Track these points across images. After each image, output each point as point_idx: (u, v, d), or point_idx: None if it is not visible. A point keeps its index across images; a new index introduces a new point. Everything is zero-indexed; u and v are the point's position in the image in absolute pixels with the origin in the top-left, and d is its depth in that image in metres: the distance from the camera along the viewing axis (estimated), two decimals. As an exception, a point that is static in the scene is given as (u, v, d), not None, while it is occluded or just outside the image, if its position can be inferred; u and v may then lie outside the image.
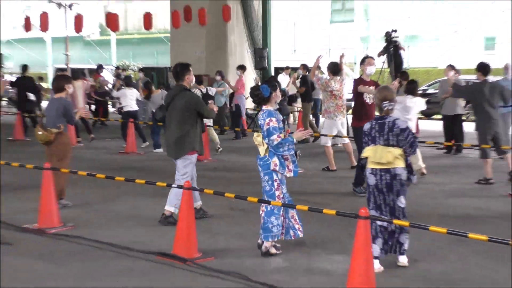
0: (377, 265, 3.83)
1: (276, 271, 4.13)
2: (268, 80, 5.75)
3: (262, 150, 4.35)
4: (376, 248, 3.90)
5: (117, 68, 18.07)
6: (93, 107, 14.20)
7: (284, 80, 13.00)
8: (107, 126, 13.77)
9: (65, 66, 19.71)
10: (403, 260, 4.14)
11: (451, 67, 9.08)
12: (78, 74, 13.36)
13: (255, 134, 4.43)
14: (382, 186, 4.22)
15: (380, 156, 4.13)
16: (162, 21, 22.15)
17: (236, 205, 5.77)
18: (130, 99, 10.52)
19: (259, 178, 4.42)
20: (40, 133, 5.64)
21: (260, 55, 14.70)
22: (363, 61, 7.98)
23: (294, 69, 14.04)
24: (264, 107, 4.36)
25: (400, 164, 4.10)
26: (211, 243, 4.66)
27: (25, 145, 10.95)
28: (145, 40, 29.18)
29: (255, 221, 4.69)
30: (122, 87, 11.45)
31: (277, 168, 4.26)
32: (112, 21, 14.88)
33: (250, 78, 14.45)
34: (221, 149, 9.43)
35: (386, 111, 4.21)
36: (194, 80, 6.19)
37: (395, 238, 4.19)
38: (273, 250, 4.29)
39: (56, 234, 4.96)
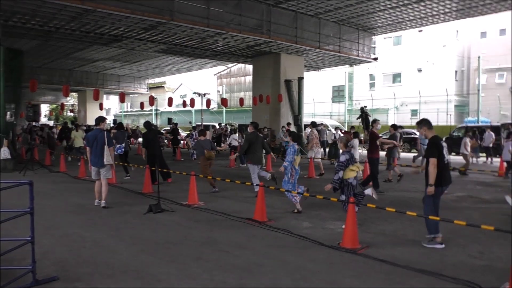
0: None
1: (305, 229, 6.48)
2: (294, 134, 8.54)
3: (298, 161, 7.84)
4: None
5: (226, 124, 29.75)
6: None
7: (307, 131, 22.95)
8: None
9: (200, 123, 26.77)
10: None
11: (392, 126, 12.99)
12: (209, 127, 24.64)
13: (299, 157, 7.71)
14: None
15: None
16: (248, 101, 31.53)
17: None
18: (234, 139, 18.28)
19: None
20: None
21: (296, 118, 22.91)
22: (374, 122, 11.12)
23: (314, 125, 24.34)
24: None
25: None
26: (272, 213, 7.46)
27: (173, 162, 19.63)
28: (240, 111, 39.88)
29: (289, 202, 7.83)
30: (230, 132, 20.39)
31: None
32: (224, 102, 24.94)
33: (293, 129, 21.33)
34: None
35: (349, 148, 6.81)
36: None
37: None
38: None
39: (196, 208, 8.10)
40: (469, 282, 4.38)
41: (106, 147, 8.06)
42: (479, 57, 30.19)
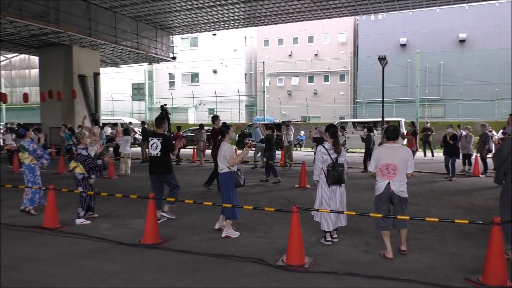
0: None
1: (105, 230, 6.64)
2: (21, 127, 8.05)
3: (28, 160, 7.43)
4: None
5: (6, 123, 26.29)
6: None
7: (107, 130, 20.49)
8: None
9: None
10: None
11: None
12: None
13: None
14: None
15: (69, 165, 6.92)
16: (35, 98, 28.65)
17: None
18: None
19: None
20: None
21: (94, 116, 20.85)
22: (215, 118, 10.59)
23: (115, 124, 22.08)
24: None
25: (78, 170, 6.87)
26: (66, 218, 7.61)
27: None
28: (24, 108, 35.40)
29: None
30: (10, 133, 15.94)
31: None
32: (3, 97, 20.44)
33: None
34: None
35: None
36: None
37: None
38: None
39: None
40: (255, 259, 4.98)
41: None
42: (263, 62, 34.26)
